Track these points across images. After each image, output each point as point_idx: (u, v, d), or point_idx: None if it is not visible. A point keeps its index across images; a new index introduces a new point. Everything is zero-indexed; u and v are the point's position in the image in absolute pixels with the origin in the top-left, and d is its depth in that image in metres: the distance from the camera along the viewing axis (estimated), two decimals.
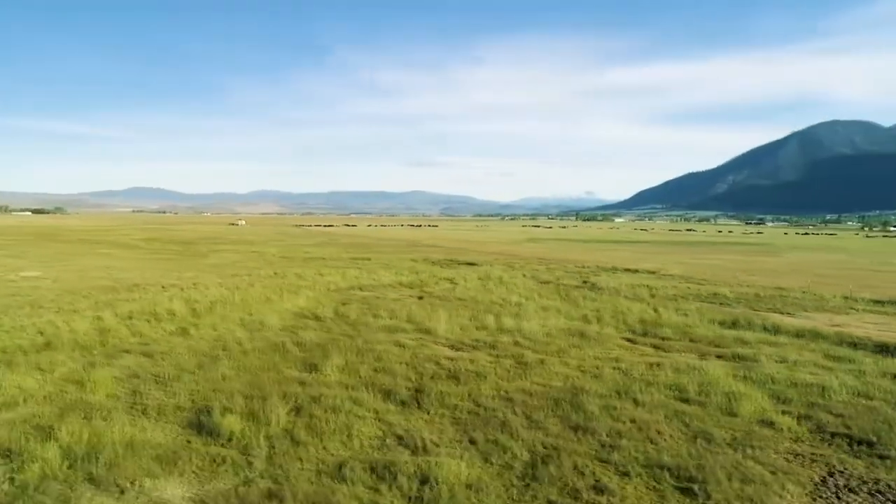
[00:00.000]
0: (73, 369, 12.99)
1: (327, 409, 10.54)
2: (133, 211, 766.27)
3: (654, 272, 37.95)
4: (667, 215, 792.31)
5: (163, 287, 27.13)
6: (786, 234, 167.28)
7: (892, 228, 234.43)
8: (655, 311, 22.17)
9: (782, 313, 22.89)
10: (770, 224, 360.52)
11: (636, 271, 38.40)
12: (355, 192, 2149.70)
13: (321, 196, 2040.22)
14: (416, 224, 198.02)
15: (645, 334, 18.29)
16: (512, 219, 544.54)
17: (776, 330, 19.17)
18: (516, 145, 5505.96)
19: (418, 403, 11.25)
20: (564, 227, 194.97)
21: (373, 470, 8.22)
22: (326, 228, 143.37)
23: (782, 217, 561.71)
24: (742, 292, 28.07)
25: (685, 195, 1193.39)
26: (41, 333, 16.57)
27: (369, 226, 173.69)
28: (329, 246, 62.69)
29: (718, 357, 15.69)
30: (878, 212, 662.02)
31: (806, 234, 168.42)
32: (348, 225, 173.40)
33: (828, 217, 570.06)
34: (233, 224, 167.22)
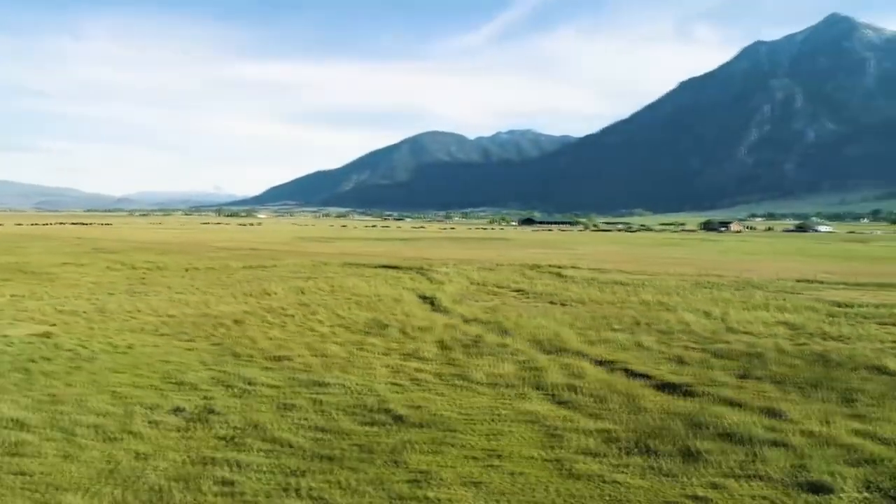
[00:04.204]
0: None
1: None
2: None
3: (578, 267, 42.72)
4: (302, 211, 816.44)
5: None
6: (469, 228, 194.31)
7: (512, 223, 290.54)
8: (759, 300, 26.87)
9: (795, 294, 30.02)
10: (409, 220, 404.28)
11: (563, 267, 42.56)
12: None
13: None
14: (85, 222, 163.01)
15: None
16: (143, 215, 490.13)
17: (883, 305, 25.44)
18: (132, 133, 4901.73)
19: None
20: (257, 224, 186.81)
21: None
22: None
23: (405, 214, 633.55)
24: (719, 280, 34.81)
25: (316, 192, 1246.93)
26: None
27: (18, 224, 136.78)
28: (165, 253, 50.24)
29: None
30: (470, 209, 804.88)
31: (484, 228, 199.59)
32: None
33: (438, 214, 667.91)
34: None
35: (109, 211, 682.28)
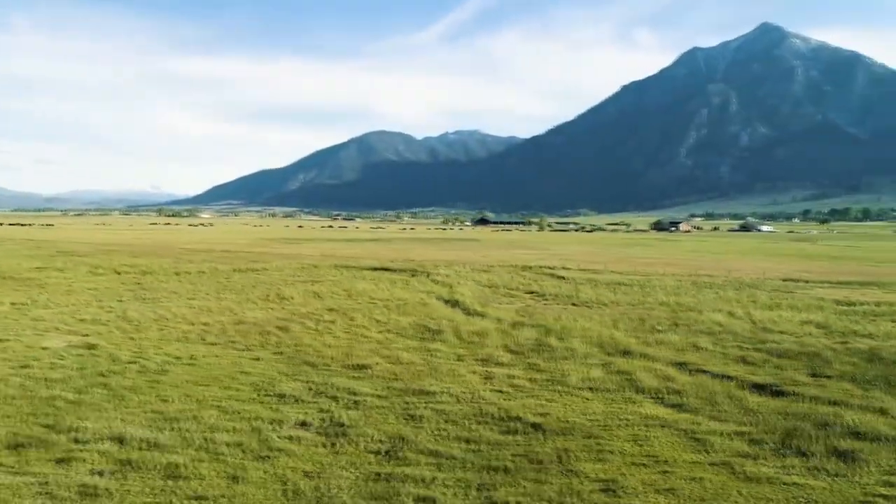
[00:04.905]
0: None
1: None
2: None
3: (568, 268, 43.36)
4: (247, 211, 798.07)
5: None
6: (428, 229, 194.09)
7: (467, 223, 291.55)
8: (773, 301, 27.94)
9: (792, 293, 31.38)
10: (360, 220, 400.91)
11: (555, 268, 43.15)
12: None
13: None
14: (22, 223, 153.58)
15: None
16: (79, 214, 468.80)
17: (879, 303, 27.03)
18: (61, 129, 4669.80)
19: None
20: (209, 225, 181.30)
21: None
22: None
23: (353, 214, 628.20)
24: (712, 280, 36.00)
25: (260, 192, 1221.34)
26: None
27: None
28: (138, 256, 48.03)
29: None
30: (419, 209, 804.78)
31: (443, 228, 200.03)
32: None
33: (388, 213, 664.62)
34: None
35: (41, 211, 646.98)
